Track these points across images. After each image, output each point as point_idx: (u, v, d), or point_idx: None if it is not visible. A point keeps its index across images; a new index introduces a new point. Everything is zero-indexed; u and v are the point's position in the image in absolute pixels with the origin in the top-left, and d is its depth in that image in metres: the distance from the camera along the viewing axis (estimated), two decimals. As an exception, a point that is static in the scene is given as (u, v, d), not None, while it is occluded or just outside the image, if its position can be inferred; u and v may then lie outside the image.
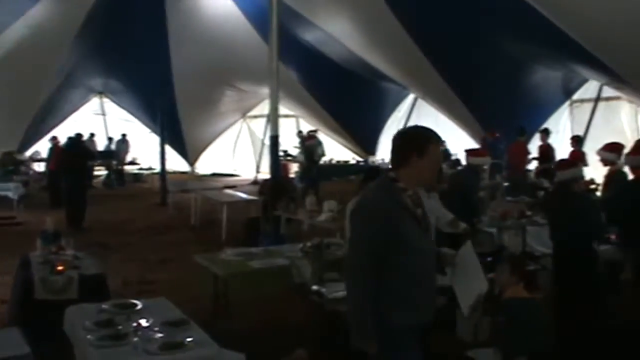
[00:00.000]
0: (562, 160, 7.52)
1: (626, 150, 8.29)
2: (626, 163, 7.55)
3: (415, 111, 22.88)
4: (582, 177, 7.30)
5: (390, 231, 3.55)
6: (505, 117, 16.50)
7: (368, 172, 6.68)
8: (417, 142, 3.66)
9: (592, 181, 11.99)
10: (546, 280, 7.85)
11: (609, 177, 8.30)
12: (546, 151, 15.19)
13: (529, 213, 9.67)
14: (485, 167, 10.67)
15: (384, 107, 23.12)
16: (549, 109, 18.10)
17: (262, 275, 6.53)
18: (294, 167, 22.16)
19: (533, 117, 17.25)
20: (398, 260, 3.60)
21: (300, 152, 22.05)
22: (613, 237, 7.32)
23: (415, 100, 22.62)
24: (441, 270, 4.12)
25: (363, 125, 22.68)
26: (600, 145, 8.66)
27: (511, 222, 8.88)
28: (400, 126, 22.85)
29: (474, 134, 19.22)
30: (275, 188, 11.68)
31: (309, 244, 5.67)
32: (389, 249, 3.57)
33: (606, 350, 5.79)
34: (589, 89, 17.42)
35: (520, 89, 16.83)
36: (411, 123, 22.43)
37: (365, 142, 23.81)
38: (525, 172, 15.11)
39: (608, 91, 16.60)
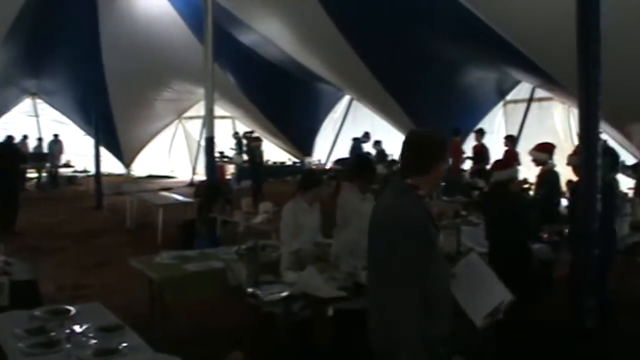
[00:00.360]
0: (498, 161, 7.61)
1: (557, 150, 8.53)
2: (569, 163, 7.73)
3: (351, 112, 23.07)
4: (517, 177, 7.48)
5: (429, 246, 3.33)
6: (441, 117, 16.70)
7: (305, 179, 6.64)
8: (443, 148, 3.49)
9: (525, 181, 12.26)
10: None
11: (540, 177, 8.50)
12: (481, 151, 15.46)
13: (464, 213, 9.82)
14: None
15: (320, 109, 23.24)
16: (484, 110, 18.44)
17: (198, 278, 6.48)
18: (231, 169, 22.11)
19: (468, 117, 17.54)
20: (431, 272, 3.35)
21: (236, 154, 22.03)
22: (546, 236, 7.47)
23: (351, 101, 22.78)
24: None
25: (299, 127, 22.77)
26: (533, 144, 8.86)
27: (446, 222, 9.00)
28: (337, 127, 23.06)
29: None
30: (210, 190, 11.63)
31: (244, 246, 5.66)
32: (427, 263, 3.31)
33: (539, 349, 5.92)
34: (522, 89, 17.85)
35: (455, 90, 17.07)
36: (347, 124, 22.67)
37: (301, 144, 23.88)
38: (461, 172, 15.35)
39: (541, 92, 17.02)
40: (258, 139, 19.40)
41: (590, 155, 5.88)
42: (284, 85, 20.78)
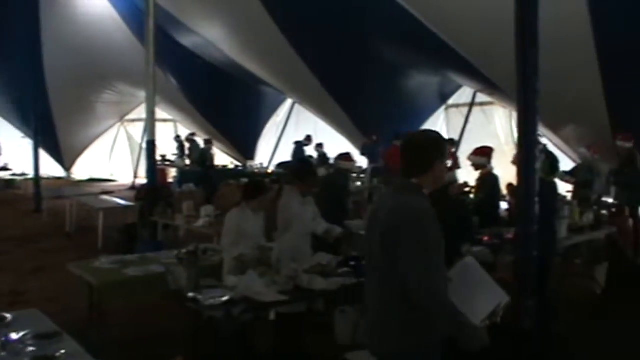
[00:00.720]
0: None
1: (499, 154, 8.66)
2: (514, 162, 7.89)
3: (294, 116, 23.07)
4: (456, 180, 7.64)
5: (440, 241, 3.44)
6: (383, 121, 16.84)
7: (251, 188, 6.57)
8: (441, 146, 3.59)
9: (466, 184, 12.40)
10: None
11: (480, 180, 8.62)
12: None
13: None
14: (355, 171, 10.88)
15: (262, 112, 23.20)
16: (426, 114, 18.66)
17: (138, 283, 6.41)
18: (173, 172, 21.91)
19: (410, 121, 17.66)
20: None
21: (178, 157, 21.85)
22: (486, 238, 7.57)
23: (293, 104, 22.79)
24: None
25: (241, 130, 22.63)
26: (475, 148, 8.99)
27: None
28: (279, 131, 23.05)
29: (352, 139, 19.52)
30: (152, 193, 11.51)
31: (184, 250, 5.60)
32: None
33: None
34: (464, 94, 18.10)
35: (397, 94, 17.23)
36: (290, 128, 22.66)
37: (244, 147, 23.77)
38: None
39: (482, 96, 17.28)
40: (209, 142, 19.08)
41: (528, 158, 5.97)
42: (226, 88, 20.69)
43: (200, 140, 21.85)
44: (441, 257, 3.41)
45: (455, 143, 15.78)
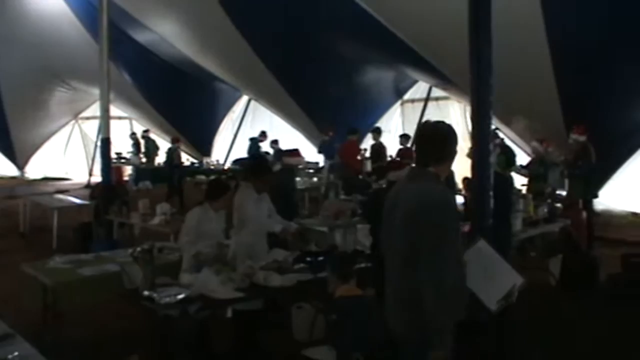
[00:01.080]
0: (393, 161, 7.92)
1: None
2: (469, 155, 7.99)
3: (250, 112, 23.00)
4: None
5: (459, 226, 3.65)
6: (339, 116, 16.85)
7: (214, 188, 6.53)
8: (456, 138, 3.74)
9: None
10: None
11: None
12: (378, 150, 15.66)
13: (360, 211, 9.92)
14: (301, 166, 10.87)
15: (218, 109, 23.14)
16: (381, 109, 18.74)
17: (93, 282, 6.33)
18: (128, 170, 21.74)
19: (366, 116, 17.77)
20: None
21: (134, 154, 21.66)
22: None
23: (249, 101, 22.73)
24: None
25: (197, 127, 22.50)
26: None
27: (343, 221, 9.04)
28: (235, 128, 22.96)
29: (309, 135, 19.53)
30: (107, 192, 11.39)
31: (139, 248, 5.55)
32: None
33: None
34: (419, 89, 18.23)
35: (353, 89, 17.29)
36: (246, 124, 22.60)
37: (200, 144, 23.63)
38: (359, 171, 15.48)
39: (437, 91, 17.43)
40: (177, 140, 18.44)
41: (483, 152, 6.01)
42: (182, 85, 20.58)
43: (155, 137, 21.73)
44: (458, 244, 3.54)
45: (409, 138, 15.87)
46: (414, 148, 3.92)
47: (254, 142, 19.14)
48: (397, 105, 19.10)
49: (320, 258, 6.12)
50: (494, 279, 3.93)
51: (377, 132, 15.92)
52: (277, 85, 17.69)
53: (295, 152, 10.00)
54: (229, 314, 6.33)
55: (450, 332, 3.46)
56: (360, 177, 14.90)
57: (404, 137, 15.57)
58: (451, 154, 3.71)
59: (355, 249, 7.95)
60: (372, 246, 7.11)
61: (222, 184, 6.63)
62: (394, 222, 3.61)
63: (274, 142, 19.04)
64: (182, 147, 23.25)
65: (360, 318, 4.90)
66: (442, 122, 3.81)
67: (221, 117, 23.61)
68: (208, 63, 18.60)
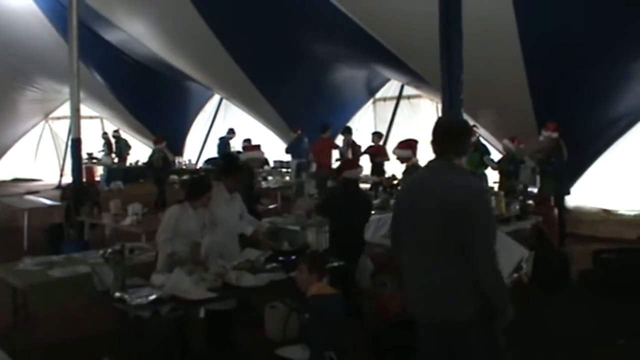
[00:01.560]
0: (348, 161, 8.35)
1: (426, 146, 8.75)
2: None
3: (222, 111, 22.94)
4: (361, 176, 8.14)
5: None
6: (311, 115, 16.84)
7: (195, 186, 6.49)
8: (471, 132, 4.02)
9: (394, 177, 12.54)
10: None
11: (405, 173, 8.73)
12: (351, 148, 15.67)
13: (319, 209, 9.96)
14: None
15: (190, 108, 23.08)
16: (353, 107, 18.78)
17: (64, 284, 6.28)
18: (100, 170, 21.59)
19: (338, 114, 17.77)
20: None
21: (105, 154, 21.53)
22: None
23: (221, 100, 22.66)
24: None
25: (169, 126, 22.33)
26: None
27: (314, 220, 9.03)
28: (207, 127, 22.89)
29: (281, 133, 19.52)
30: (78, 192, 11.30)
31: (110, 249, 5.50)
32: None
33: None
34: (392, 87, 18.29)
35: (324, 87, 17.32)
36: (218, 124, 22.53)
37: (172, 143, 23.39)
38: (331, 169, 15.47)
39: (410, 89, 17.49)
40: (160, 141, 16.71)
41: None
42: (153, 84, 20.52)
43: (127, 137, 21.63)
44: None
45: (381, 136, 15.94)
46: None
47: (223, 141, 19.09)
48: (370, 103, 19.14)
49: (293, 257, 6.12)
50: (503, 254, 4.07)
51: (348, 132, 15.90)
52: (249, 84, 17.62)
53: (254, 147, 10.02)
54: (202, 314, 6.33)
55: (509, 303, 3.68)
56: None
57: (376, 135, 15.61)
58: (467, 149, 3.99)
59: (326, 247, 8.00)
60: (338, 244, 7.27)
61: (203, 183, 6.57)
62: (421, 215, 3.74)
63: (246, 141, 18.99)
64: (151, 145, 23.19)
65: (334, 317, 4.91)
66: (457, 118, 4.02)
67: (193, 117, 23.51)
68: (180, 62, 18.49)
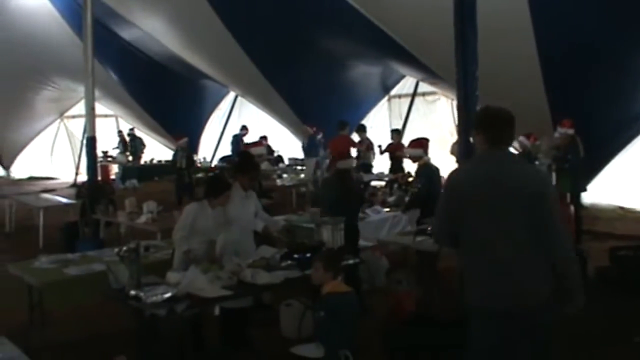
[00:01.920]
0: (339, 152, 8.71)
1: (442, 143, 8.75)
2: (452, 152, 8.13)
3: (237, 109, 22.97)
4: (353, 168, 8.53)
5: None
6: (326, 112, 16.83)
7: (215, 185, 6.50)
8: None
9: (409, 174, 12.50)
10: (365, 273, 8.17)
11: (417, 172, 8.72)
12: (364, 145, 15.64)
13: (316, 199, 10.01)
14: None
15: (205, 106, 23.10)
16: (368, 105, 18.75)
17: (79, 282, 6.31)
18: (115, 168, 21.67)
19: (353, 112, 17.74)
20: None
21: (120, 153, 21.59)
22: (429, 228, 7.64)
23: (236, 98, 22.68)
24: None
25: (183, 124, 22.32)
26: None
27: (330, 218, 9.02)
28: (222, 124, 22.93)
29: (295, 131, 19.52)
30: (93, 190, 11.34)
31: (125, 247, 5.51)
32: None
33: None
34: (407, 84, 18.28)
35: (340, 85, 17.32)
36: (233, 121, 22.56)
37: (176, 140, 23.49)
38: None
39: (425, 86, 17.43)
40: (180, 137, 16.80)
41: (467, 148, 6.00)
42: (168, 82, 20.53)
43: (142, 135, 21.69)
44: None
45: (399, 132, 15.90)
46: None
47: (237, 138, 19.11)
48: (384, 100, 19.12)
49: (308, 255, 6.10)
50: None
51: (363, 129, 15.88)
52: (264, 81, 17.63)
53: (256, 142, 10.07)
54: (217, 312, 6.34)
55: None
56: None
57: (395, 132, 15.61)
58: (514, 138, 4.15)
59: (342, 245, 7.99)
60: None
61: (222, 181, 6.58)
62: (497, 208, 3.71)
63: (263, 139, 19.05)
64: (168, 143, 23.21)
65: (348, 315, 4.90)
66: (503, 107, 4.00)
67: (208, 114, 23.58)
68: (195, 59, 18.52)
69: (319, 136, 16.38)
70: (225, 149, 21.54)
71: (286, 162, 18.60)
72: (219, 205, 6.27)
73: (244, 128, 19.32)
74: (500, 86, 10.73)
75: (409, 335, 5.57)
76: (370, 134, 16.07)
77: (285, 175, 17.02)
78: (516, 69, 11.35)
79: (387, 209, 10.22)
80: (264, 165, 14.86)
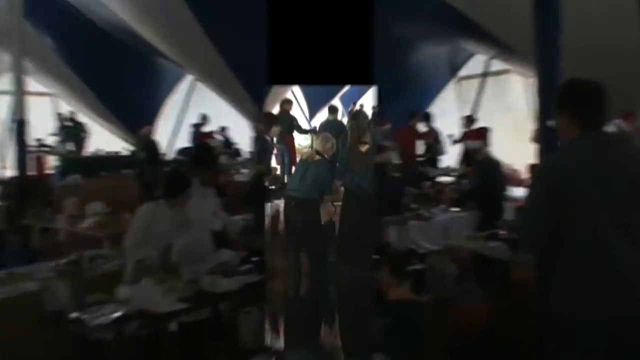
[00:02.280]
0: (380, 146, 8.71)
1: (516, 130, 8.77)
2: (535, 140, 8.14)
3: (195, 94, 23.31)
4: (392, 162, 8.40)
5: None
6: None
7: (172, 183, 6.51)
8: None
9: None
10: (433, 280, 8.29)
11: (475, 166, 8.78)
12: (432, 137, 15.74)
13: (414, 206, 10.10)
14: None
15: (159, 88, 23.11)
16: (435, 89, 19.45)
17: (5, 306, 6.30)
18: (52, 161, 21.57)
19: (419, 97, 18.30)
20: None
21: (60, 141, 21.49)
22: (503, 232, 7.69)
23: (193, 83, 22.92)
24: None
25: (135, 108, 22.28)
26: (491, 123, 9.13)
27: (392, 217, 9.18)
28: (179, 112, 23.01)
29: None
30: (23, 189, 11.32)
31: (65, 260, 5.52)
32: None
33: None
34: (475, 64, 18.84)
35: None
36: (191, 109, 22.67)
37: (138, 130, 23.46)
38: (416, 161, 15.27)
39: (497, 65, 17.88)
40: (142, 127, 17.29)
41: (551, 134, 5.91)
42: (118, 57, 20.50)
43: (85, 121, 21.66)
44: None
45: (474, 120, 15.97)
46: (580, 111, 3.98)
47: (196, 129, 19.24)
48: (451, 84, 19.67)
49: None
50: None
51: (427, 118, 16.23)
52: (223, 65, 17.83)
53: (209, 134, 10.15)
54: (174, 327, 6.36)
55: None
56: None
57: (467, 119, 15.73)
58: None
59: (409, 248, 8.14)
60: None
61: (182, 178, 6.56)
62: (611, 198, 3.75)
63: (222, 130, 19.22)
64: (117, 130, 23.21)
65: (416, 325, 5.10)
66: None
67: (163, 98, 23.73)
68: (147, 32, 18.36)
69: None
70: (183, 141, 21.56)
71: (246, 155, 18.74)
72: (179, 206, 6.27)
73: (204, 118, 19.48)
74: (591, 55, 10.58)
75: (481, 354, 5.69)
76: (437, 123, 16.39)
77: (244, 170, 17.16)
78: (613, 32, 10.95)
79: (457, 208, 10.60)
80: (221, 159, 15.21)
